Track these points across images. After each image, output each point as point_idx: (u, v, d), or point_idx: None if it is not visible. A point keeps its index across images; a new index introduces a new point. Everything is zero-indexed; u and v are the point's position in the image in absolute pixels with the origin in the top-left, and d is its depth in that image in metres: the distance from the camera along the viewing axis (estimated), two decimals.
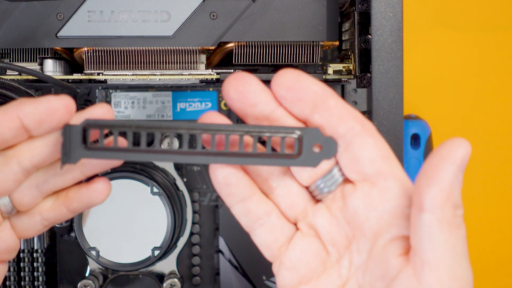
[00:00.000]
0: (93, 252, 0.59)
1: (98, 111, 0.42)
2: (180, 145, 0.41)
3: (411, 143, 0.70)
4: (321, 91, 0.40)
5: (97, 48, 0.52)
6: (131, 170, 0.60)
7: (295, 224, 0.43)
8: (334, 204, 0.42)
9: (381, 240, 0.40)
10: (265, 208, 0.42)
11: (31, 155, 0.42)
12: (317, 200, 0.43)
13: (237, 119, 0.62)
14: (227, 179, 0.41)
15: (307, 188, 0.42)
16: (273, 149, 0.41)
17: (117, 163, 0.43)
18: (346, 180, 0.42)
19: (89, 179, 0.44)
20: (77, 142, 0.40)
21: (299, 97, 0.40)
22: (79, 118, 0.41)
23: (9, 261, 0.59)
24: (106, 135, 0.41)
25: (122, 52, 0.53)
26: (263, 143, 0.41)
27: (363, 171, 0.40)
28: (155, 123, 0.41)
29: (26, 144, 0.42)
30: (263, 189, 0.43)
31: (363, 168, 0.40)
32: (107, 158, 0.41)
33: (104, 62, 0.53)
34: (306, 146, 0.41)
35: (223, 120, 0.41)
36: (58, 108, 0.40)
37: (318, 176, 0.42)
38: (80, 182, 0.44)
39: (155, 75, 0.53)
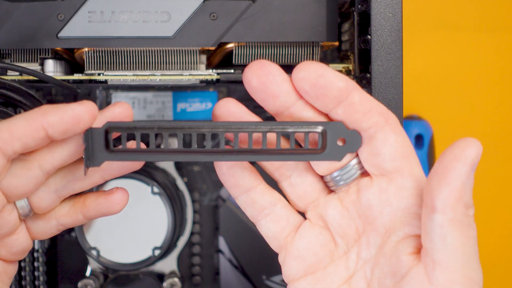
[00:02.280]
0: (94, 252, 0.59)
1: (117, 111, 0.42)
2: (202, 145, 0.41)
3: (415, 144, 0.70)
4: (345, 86, 0.40)
5: (97, 49, 0.52)
6: None
7: (304, 213, 0.43)
8: (348, 197, 0.42)
9: (394, 237, 0.40)
10: (269, 198, 0.42)
11: (52, 159, 0.42)
12: (330, 191, 0.43)
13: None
14: (231, 170, 0.41)
15: (321, 177, 0.43)
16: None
17: (138, 165, 0.43)
18: (363, 174, 0.42)
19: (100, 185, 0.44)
20: (100, 145, 0.40)
21: (323, 93, 0.40)
22: (100, 120, 0.41)
23: None
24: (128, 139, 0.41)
25: (122, 53, 0.53)
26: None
27: (382, 167, 0.40)
28: (177, 123, 0.41)
29: (47, 148, 0.42)
30: (275, 176, 0.43)
31: (383, 164, 0.40)
32: (131, 160, 0.41)
33: (105, 63, 0.53)
34: (330, 140, 0.41)
35: (240, 108, 0.41)
36: (83, 116, 0.40)
37: (335, 168, 0.42)
38: (98, 189, 0.44)
39: (155, 75, 0.53)
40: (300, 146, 0.42)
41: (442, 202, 0.38)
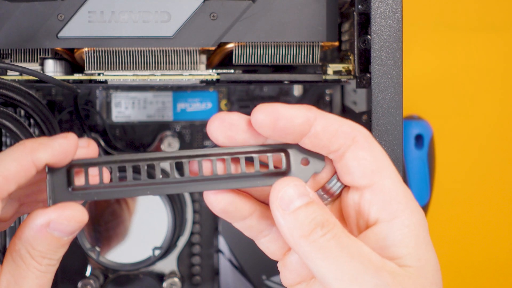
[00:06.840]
0: (94, 252, 0.59)
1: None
2: (169, 175, 0.42)
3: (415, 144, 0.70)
4: (305, 120, 0.40)
5: (97, 49, 0.52)
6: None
7: None
8: (334, 209, 0.43)
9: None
10: (266, 221, 0.43)
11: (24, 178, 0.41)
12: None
13: None
14: (225, 210, 0.42)
15: None
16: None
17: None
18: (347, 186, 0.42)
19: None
20: (62, 184, 0.40)
21: (285, 133, 0.40)
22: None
23: None
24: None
25: (122, 53, 0.53)
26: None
27: (354, 184, 0.41)
28: (140, 155, 0.41)
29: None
30: (267, 201, 0.43)
31: (354, 182, 0.41)
32: (93, 199, 0.41)
33: (105, 63, 0.53)
34: (294, 161, 0.41)
35: (234, 118, 0.41)
36: (70, 149, 0.40)
37: (318, 186, 0.42)
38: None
39: (155, 75, 0.53)
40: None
41: (290, 243, 0.39)
